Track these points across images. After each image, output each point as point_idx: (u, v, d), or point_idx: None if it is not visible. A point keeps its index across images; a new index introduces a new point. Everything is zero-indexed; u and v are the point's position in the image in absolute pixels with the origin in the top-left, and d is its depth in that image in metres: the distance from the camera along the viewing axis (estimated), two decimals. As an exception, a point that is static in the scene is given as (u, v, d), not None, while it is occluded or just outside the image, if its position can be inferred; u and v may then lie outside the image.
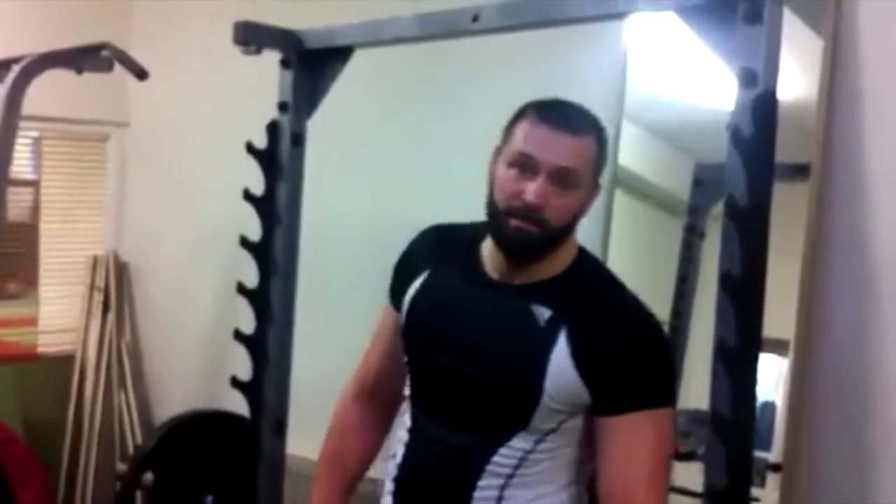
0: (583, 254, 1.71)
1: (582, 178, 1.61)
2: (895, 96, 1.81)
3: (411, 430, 1.77)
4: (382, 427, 1.99)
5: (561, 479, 1.69)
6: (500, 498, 1.65)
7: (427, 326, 1.77)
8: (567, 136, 1.59)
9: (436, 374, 1.74)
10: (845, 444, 1.86)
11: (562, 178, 1.58)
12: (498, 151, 1.67)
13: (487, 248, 1.71)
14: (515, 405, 1.63)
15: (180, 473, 2.50)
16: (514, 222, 1.60)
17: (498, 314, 1.67)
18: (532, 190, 1.57)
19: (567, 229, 1.64)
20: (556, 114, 1.61)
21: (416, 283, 1.79)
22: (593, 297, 1.65)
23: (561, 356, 1.60)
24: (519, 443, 1.65)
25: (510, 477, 1.65)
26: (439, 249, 1.81)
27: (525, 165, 1.59)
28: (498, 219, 1.63)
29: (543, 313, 1.62)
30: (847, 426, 1.86)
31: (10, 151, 2.91)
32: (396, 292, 1.85)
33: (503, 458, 1.65)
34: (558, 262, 1.67)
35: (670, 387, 1.67)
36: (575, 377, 1.60)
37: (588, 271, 1.70)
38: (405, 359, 1.81)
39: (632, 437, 1.60)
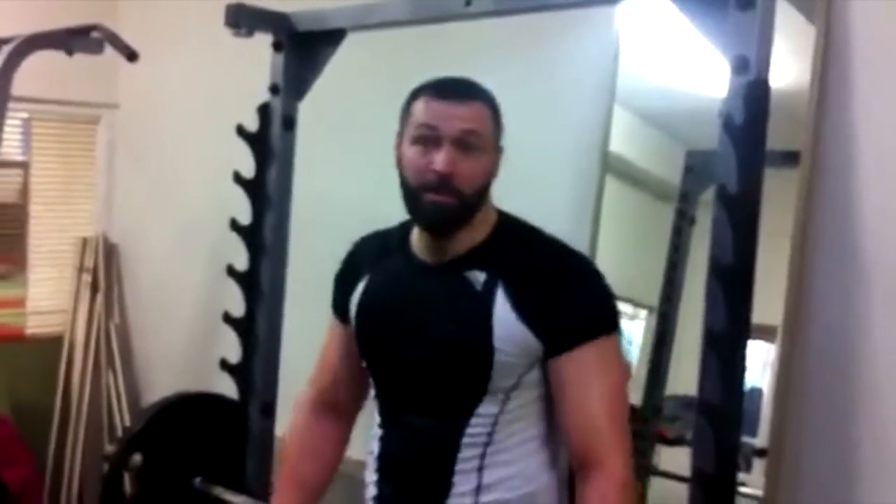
0: (503, 217, 1.76)
1: (484, 141, 1.66)
2: (886, 84, 1.81)
3: (382, 425, 1.80)
4: (341, 439, 2.01)
5: (537, 437, 1.72)
6: (481, 467, 1.68)
7: (376, 325, 1.80)
8: (461, 103, 1.64)
9: (393, 367, 1.77)
10: (831, 430, 1.87)
11: (465, 142, 1.63)
12: (399, 135, 1.72)
13: (415, 235, 1.76)
14: (472, 371, 1.66)
15: (169, 455, 2.50)
16: (428, 196, 1.65)
17: (437, 293, 1.72)
18: (440, 160, 1.62)
19: (481, 195, 1.69)
20: (447, 87, 1.67)
21: (359, 289, 1.83)
22: (521, 249, 1.70)
23: (502, 310, 1.64)
24: (486, 408, 1.67)
25: (487, 445, 1.68)
26: (374, 253, 1.86)
27: (428, 139, 1.64)
28: (414, 197, 1.67)
29: (478, 277, 1.68)
30: (833, 412, 1.87)
31: (0, 132, 2.90)
32: (341, 303, 1.89)
33: (475, 427, 1.68)
34: (480, 230, 1.71)
35: (612, 314, 1.71)
36: (520, 326, 1.64)
37: (512, 230, 1.74)
38: (364, 363, 1.84)
39: (584, 369, 1.64)
